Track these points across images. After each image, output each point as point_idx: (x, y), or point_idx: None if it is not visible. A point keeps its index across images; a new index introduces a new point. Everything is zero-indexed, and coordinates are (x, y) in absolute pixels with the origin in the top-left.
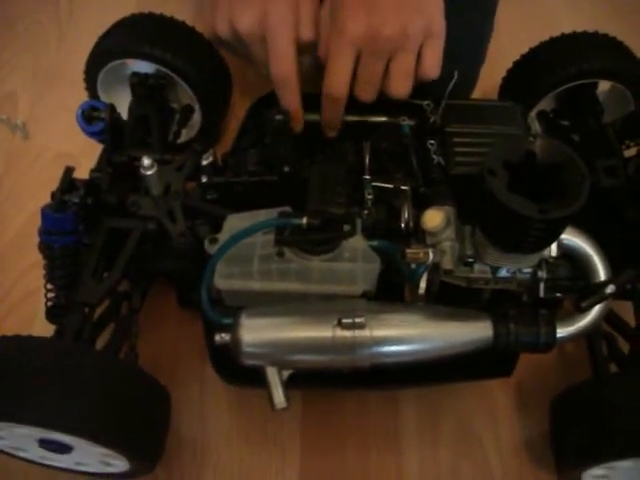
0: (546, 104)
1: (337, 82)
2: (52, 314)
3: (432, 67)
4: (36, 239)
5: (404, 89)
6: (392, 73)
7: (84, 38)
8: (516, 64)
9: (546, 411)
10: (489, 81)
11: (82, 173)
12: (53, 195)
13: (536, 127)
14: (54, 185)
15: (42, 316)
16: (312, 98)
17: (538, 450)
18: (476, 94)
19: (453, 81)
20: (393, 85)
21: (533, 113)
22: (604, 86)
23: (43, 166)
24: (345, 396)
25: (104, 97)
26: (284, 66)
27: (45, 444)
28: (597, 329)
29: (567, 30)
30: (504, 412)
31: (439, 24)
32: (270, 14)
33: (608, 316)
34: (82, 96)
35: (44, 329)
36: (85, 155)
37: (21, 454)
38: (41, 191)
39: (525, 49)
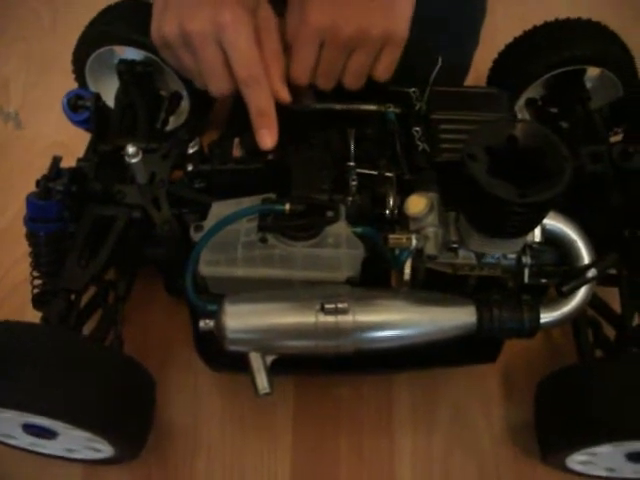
0: (535, 91)
1: (301, 69)
2: (38, 301)
3: (384, 72)
4: None
5: (356, 85)
6: (347, 69)
7: (79, 25)
8: (505, 50)
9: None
10: (483, 66)
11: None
12: (38, 183)
13: (525, 114)
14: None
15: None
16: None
17: (530, 436)
18: (471, 79)
19: (437, 68)
20: (346, 80)
21: (522, 100)
22: (593, 73)
23: (36, 155)
24: (338, 382)
25: (92, 85)
26: (250, 66)
27: (29, 429)
28: (582, 315)
29: (564, 15)
30: (497, 399)
31: (401, 33)
32: (224, 14)
33: (594, 302)
34: (74, 84)
35: (36, 318)
36: (78, 144)
37: (11, 442)
38: (34, 180)
39: (520, 34)
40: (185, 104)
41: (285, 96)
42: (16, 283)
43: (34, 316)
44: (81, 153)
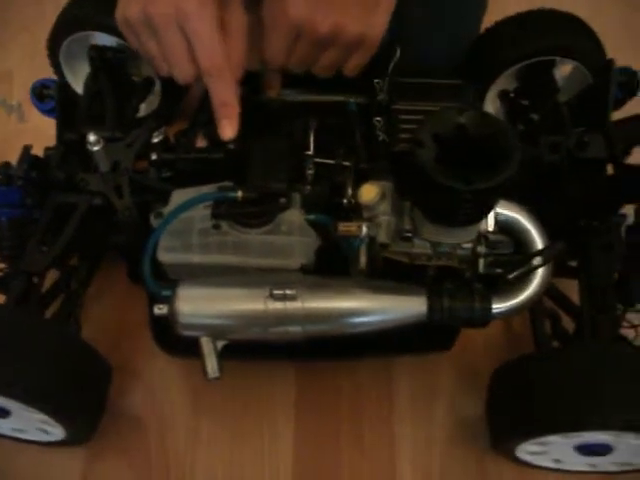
0: (507, 83)
1: (274, 56)
2: (1, 284)
3: (352, 70)
4: None
5: (325, 76)
6: (319, 62)
7: None
8: (478, 40)
9: None
10: None
11: None
12: None
13: (498, 106)
14: None
15: None
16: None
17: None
18: None
19: (395, 59)
20: (316, 70)
21: (494, 92)
22: (565, 65)
23: (39, 147)
24: (339, 373)
25: (68, 72)
26: (213, 56)
27: None
28: (540, 305)
29: (562, 5)
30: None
31: (375, 38)
32: (189, 1)
33: (553, 294)
34: None
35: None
36: None
37: None
38: None
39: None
40: (157, 90)
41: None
42: None
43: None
44: None
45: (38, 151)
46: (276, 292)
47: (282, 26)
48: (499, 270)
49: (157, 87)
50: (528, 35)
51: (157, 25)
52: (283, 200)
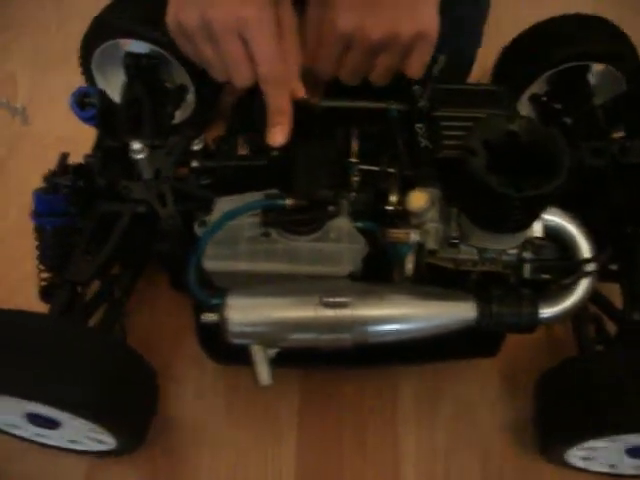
0: (539, 87)
1: (325, 68)
2: (45, 294)
3: (417, 71)
4: None
5: (382, 82)
6: (375, 69)
7: (85, 20)
8: (509, 46)
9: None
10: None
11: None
12: (45, 178)
13: (529, 110)
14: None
15: None
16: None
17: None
18: (476, 75)
19: (440, 65)
20: (374, 77)
21: (526, 96)
22: (597, 68)
23: (44, 150)
24: (343, 377)
25: (100, 79)
26: (273, 63)
27: (33, 419)
28: (583, 310)
29: (571, 9)
30: (500, 394)
31: (432, 32)
32: (248, 8)
33: (595, 298)
34: (82, 79)
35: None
36: (86, 139)
37: (16, 432)
38: (41, 175)
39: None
40: (191, 97)
41: (301, 92)
42: (24, 275)
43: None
44: (88, 148)
45: (48, 154)
46: (327, 300)
47: (330, 37)
48: (544, 275)
49: (190, 94)
50: (565, 40)
51: (216, 32)
52: (332, 207)
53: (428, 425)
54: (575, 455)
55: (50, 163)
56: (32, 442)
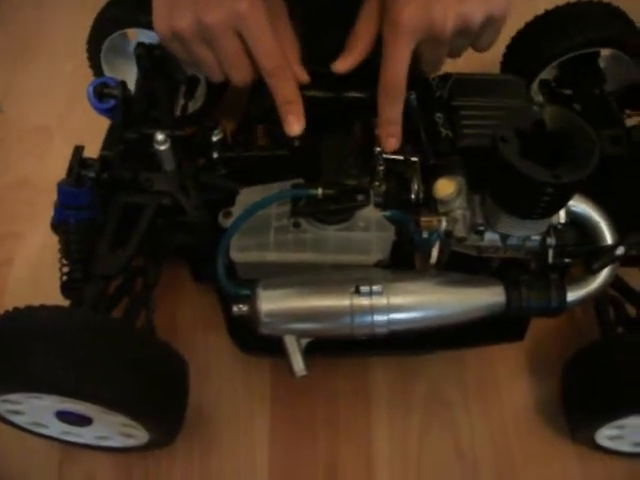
0: (548, 73)
1: (396, 77)
2: (67, 288)
3: (487, 47)
4: (13, 210)
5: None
6: (449, 53)
7: (62, 9)
8: (517, 35)
9: (519, 375)
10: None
11: (58, 146)
12: (69, 171)
13: (538, 96)
14: (31, 158)
15: (11, 290)
16: (317, 75)
17: (505, 410)
18: (477, 66)
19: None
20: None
21: (535, 83)
22: (606, 54)
23: (19, 139)
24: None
25: (108, 71)
26: (274, 56)
27: (63, 417)
28: (604, 293)
29: None
30: (473, 377)
31: (503, 11)
32: (241, 3)
33: (615, 282)
34: (59, 68)
35: (13, 303)
36: (61, 128)
37: (42, 430)
38: (18, 163)
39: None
40: (202, 88)
41: (305, 78)
42: None
43: (12, 301)
44: (64, 137)
45: (22, 142)
46: (362, 288)
47: (398, 38)
48: (567, 260)
49: (201, 85)
50: (574, 27)
51: (214, 33)
52: (361, 196)
53: (401, 405)
54: (604, 435)
55: (26, 151)
56: (57, 440)
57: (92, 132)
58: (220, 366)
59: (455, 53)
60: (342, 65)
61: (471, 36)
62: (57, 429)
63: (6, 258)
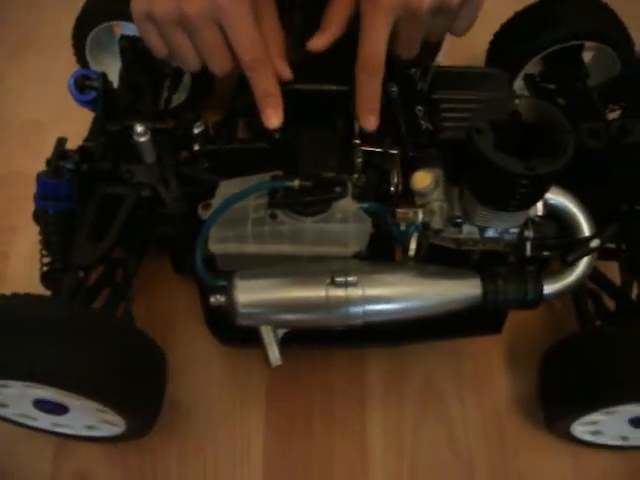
0: (533, 67)
1: (375, 52)
2: (47, 279)
3: (463, 30)
4: (8, 204)
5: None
6: (428, 34)
7: (54, 4)
8: (501, 29)
9: (510, 369)
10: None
11: (51, 141)
12: (48, 162)
13: (522, 90)
14: (22, 152)
15: (6, 283)
16: (297, 68)
17: (499, 403)
18: (465, 59)
19: (441, 49)
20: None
21: (519, 77)
22: (591, 49)
23: (11, 134)
24: (313, 353)
25: (93, 63)
26: (253, 48)
27: (42, 405)
28: (583, 286)
29: None
30: (467, 369)
31: None
32: None
33: (594, 275)
34: (51, 63)
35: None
36: (53, 123)
37: (32, 423)
38: (10, 158)
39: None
40: (186, 81)
41: (287, 74)
42: None
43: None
44: (56, 132)
45: (14, 137)
46: (338, 279)
47: (376, 17)
48: (545, 253)
49: (186, 77)
50: (557, 20)
51: (194, 22)
52: (339, 188)
53: (396, 398)
54: (580, 430)
55: (18, 145)
56: (49, 432)
57: (86, 127)
58: (212, 359)
59: (433, 37)
60: (318, 42)
61: (450, 14)
62: (46, 421)
63: (1, 251)
